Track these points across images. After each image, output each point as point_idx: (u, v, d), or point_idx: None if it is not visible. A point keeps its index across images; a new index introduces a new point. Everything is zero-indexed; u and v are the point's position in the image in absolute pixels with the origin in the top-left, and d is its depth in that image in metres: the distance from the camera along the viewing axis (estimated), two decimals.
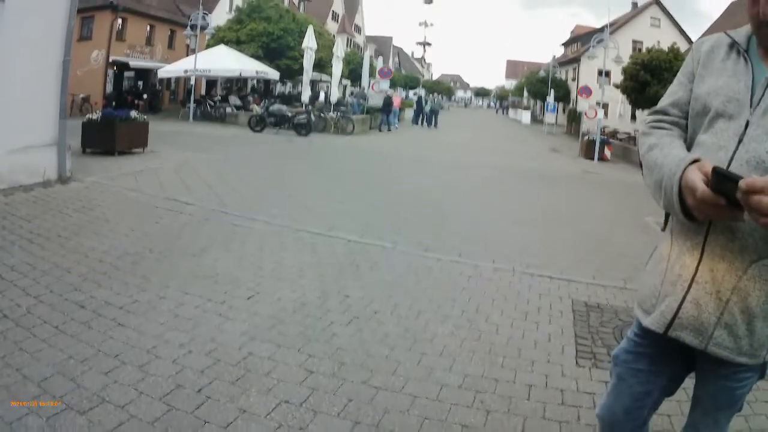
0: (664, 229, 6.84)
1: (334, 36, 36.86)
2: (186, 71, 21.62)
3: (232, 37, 25.84)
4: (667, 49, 22.96)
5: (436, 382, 2.96)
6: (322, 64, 27.00)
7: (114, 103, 20.56)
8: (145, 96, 25.45)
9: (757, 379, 1.49)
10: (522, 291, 4.79)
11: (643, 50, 26.38)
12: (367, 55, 30.00)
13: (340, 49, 23.65)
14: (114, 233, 5.43)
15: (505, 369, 3.19)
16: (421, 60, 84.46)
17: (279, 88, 35.60)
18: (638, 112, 29.80)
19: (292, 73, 26.99)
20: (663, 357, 1.55)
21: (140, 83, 27.13)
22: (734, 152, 1.32)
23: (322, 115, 20.35)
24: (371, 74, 27.03)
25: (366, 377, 2.93)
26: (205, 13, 22.60)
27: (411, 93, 53.33)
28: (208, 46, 25.25)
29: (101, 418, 2.37)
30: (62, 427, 2.29)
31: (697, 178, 1.20)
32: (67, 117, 7.83)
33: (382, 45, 66.14)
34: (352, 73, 35.20)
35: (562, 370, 3.24)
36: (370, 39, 62.89)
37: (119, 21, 24.91)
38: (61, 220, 5.78)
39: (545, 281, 5.12)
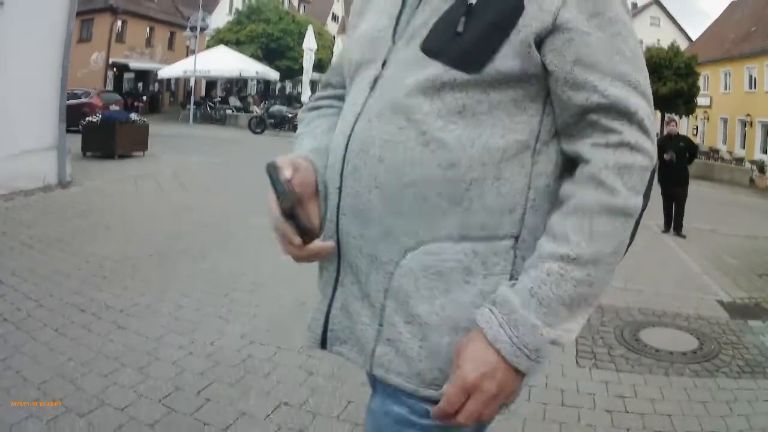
0: (665, 231, 6.83)
1: (334, 37, 36.89)
2: (185, 72, 21.66)
3: (231, 38, 25.88)
4: (666, 48, 22.97)
5: None
6: (322, 65, 27.05)
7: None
8: (144, 98, 25.50)
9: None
10: None
11: (643, 49, 26.42)
12: None
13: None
14: (114, 237, 5.44)
15: None
16: None
17: (279, 88, 35.62)
18: None
19: (292, 73, 27.03)
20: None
21: (140, 85, 27.18)
22: (362, 107, 0.92)
23: None
24: None
25: (366, 379, 2.92)
26: (205, 15, 22.66)
27: None
28: (208, 47, 25.30)
29: (101, 420, 2.37)
30: (62, 429, 2.29)
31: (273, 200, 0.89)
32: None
33: None
34: None
35: (562, 370, 3.23)
36: None
37: (119, 23, 24.95)
38: (62, 224, 5.80)
39: None
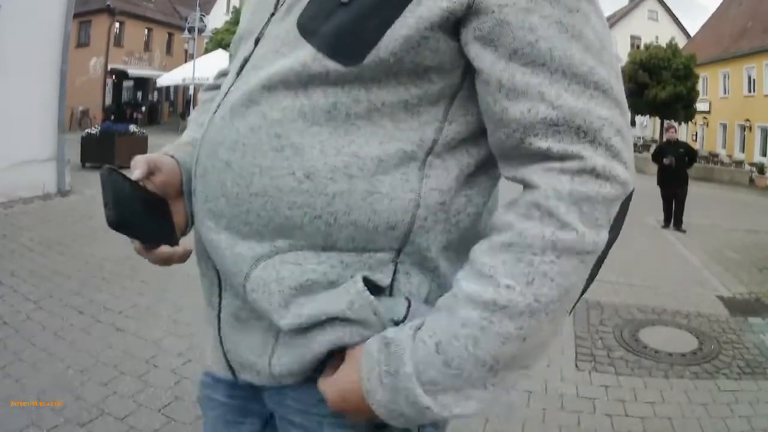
0: (665, 226, 6.78)
1: None
2: (184, 79, 21.61)
3: (229, 39, 25.83)
4: (665, 45, 22.97)
5: None
6: None
7: (113, 117, 20.67)
8: (143, 108, 25.51)
9: None
10: None
11: (641, 47, 26.37)
12: None
13: None
14: (114, 241, 5.42)
15: None
16: None
17: None
18: (638, 117, 29.83)
19: None
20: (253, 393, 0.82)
21: (139, 94, 27.23)
22: (223, 97, 0.75)
23: None
24: None
25: None
26: (202, 15, 22.64)
27: None
28: (206, 50, 25.29)
29: (101, 429, 2.37)
30: None
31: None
32: (67, 130, 7.87)
33: None
34: None
35: (561, 374, 3.23)
36: None
37: (117, 25, 24.95)
38: (61, 229, 5.81)
39: None
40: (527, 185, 0.63)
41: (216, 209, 0.72)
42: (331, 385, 0.66)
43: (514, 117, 0.62)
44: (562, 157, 0.61)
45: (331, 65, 0.65)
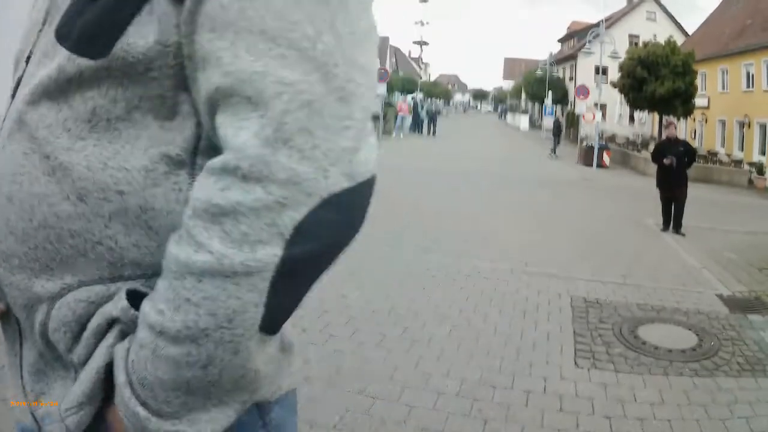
0: (664, 229, 6.76)
1: None
2: None
3: None
4: (663, 43, 22.95)
5: (433, 390, 2.92)
6: None
7: None
8: None
9: None
10: (520, 288, 4.80)
11: (640, 45, 26.35)
12: None
13: None
14: None
15: (503, 374, 3.16)
16: (419, 60, 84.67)
17: None
18: (636, 113, 29.72)
19: None
20: None
21: None
22: (2, 124, 0.70)
23: None
24: None
25: (362, 386, 2.90)
26: None
27: (409, 97, 52.97)
28: None
29: None
30: None
31: None
32: None
33: (378, 46, 66.14)
34: None
35: (560, 372, 3.21)
36: None
37: None
38: None
39: (544, 279, 5.12)
40: None
41: (7, 250, 0.66)
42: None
43: (198, 91, 0.57)
44: (224, 145, 0.55)
45: (83, 62, 0.60)
